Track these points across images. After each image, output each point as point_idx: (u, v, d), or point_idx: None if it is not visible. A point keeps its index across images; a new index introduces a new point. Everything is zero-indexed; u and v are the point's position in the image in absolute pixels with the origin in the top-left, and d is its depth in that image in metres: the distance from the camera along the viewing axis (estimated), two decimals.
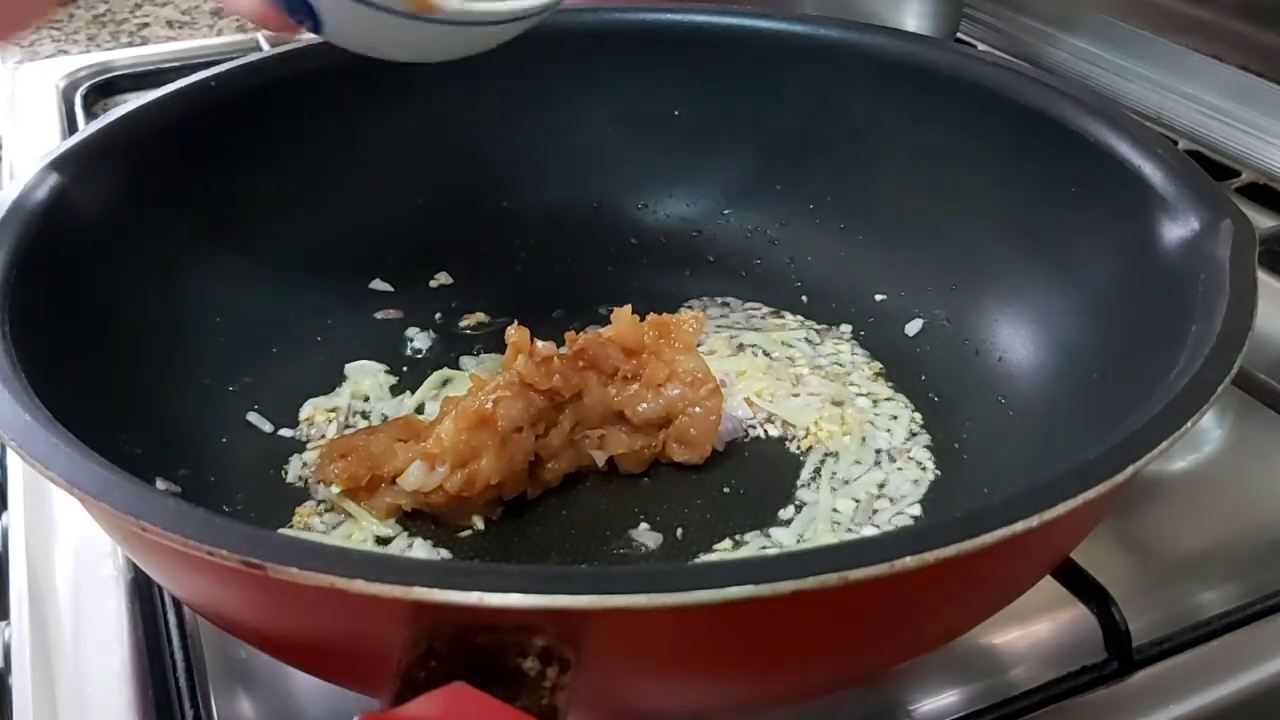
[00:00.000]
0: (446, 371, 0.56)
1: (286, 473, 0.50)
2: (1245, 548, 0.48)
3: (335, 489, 0.47)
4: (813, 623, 0.31)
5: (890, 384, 0.55)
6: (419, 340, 0.58)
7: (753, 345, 0.57)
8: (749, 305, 0.60)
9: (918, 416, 0.53)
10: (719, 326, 0.59)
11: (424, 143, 0.60)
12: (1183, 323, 0.40)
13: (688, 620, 0.29)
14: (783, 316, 0.60)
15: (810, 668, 0.34)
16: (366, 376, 0.55)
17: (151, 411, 0.47)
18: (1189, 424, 0.34)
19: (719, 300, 0.61)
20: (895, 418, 0.53)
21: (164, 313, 0.50)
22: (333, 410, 0.53)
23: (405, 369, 0.56)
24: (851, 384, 0.55)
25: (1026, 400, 0.51)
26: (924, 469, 0.50)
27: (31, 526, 0.50)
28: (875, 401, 0.54)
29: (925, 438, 0.52)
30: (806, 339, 0.58)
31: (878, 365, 0.56)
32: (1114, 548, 0.47)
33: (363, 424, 0.53)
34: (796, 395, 0.54)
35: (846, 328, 0.58)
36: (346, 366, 0.55)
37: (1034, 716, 0.41)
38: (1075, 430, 0.45)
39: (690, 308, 0.60)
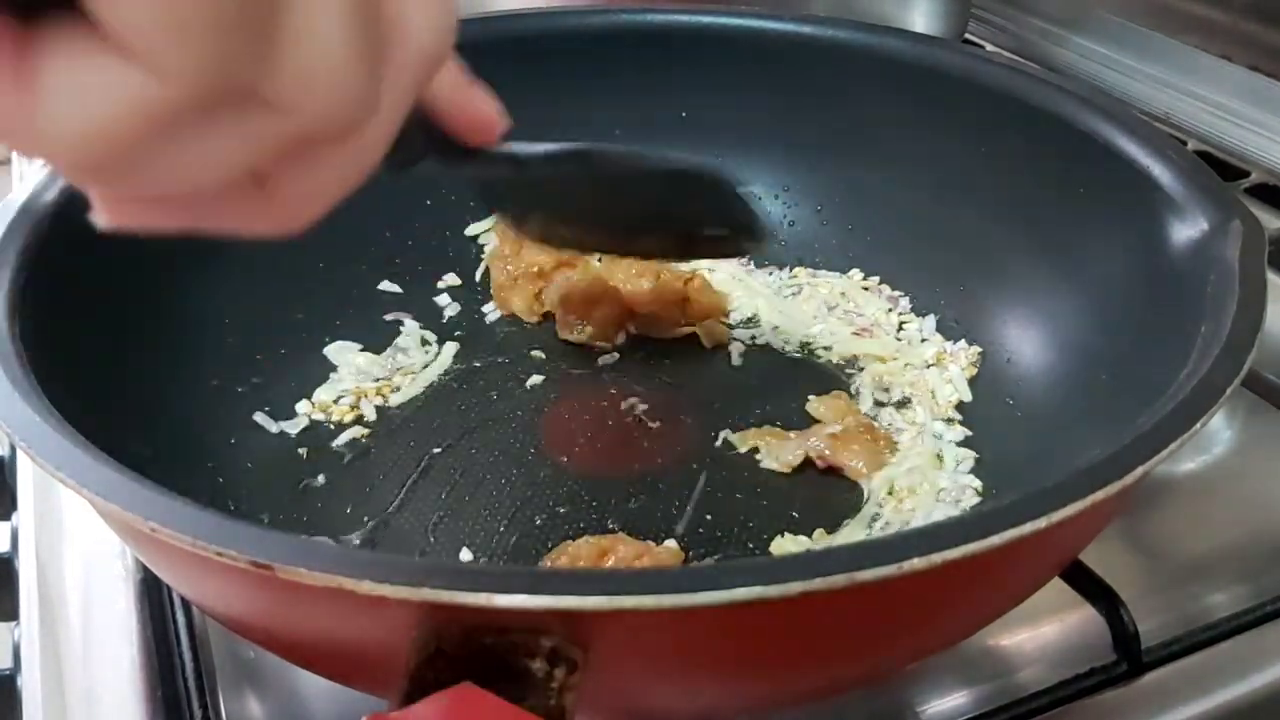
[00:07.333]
0: None
1: (295, 472, 0.50)
2: (1255, 549, 0.48)
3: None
4: (821, 624, 0.31)
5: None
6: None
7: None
8: None
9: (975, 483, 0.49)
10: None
11: None
12: (1192, 324, 0.39)
13: (695, 622, 0.29)
14: None
15: (818, 669, 0.34)
16: (345, 354, 0.56)
17: (160, 412, 0.47)
18: (1198, 425, 0.34)
19: None
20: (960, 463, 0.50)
21: (173, 314, 0.50)
22: (338, 397, 0.54)
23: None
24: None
25: (1035, 401, 0.51)
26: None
27: (41, 527, 0.50)
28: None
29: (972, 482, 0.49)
30: None
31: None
32: (1123, 549, 0.47)
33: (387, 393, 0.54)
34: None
35: None
36: (324, 349, 0.56)
37: (1042, 718, 0.41)
38: (1084, 431, 0.45)
39: None
